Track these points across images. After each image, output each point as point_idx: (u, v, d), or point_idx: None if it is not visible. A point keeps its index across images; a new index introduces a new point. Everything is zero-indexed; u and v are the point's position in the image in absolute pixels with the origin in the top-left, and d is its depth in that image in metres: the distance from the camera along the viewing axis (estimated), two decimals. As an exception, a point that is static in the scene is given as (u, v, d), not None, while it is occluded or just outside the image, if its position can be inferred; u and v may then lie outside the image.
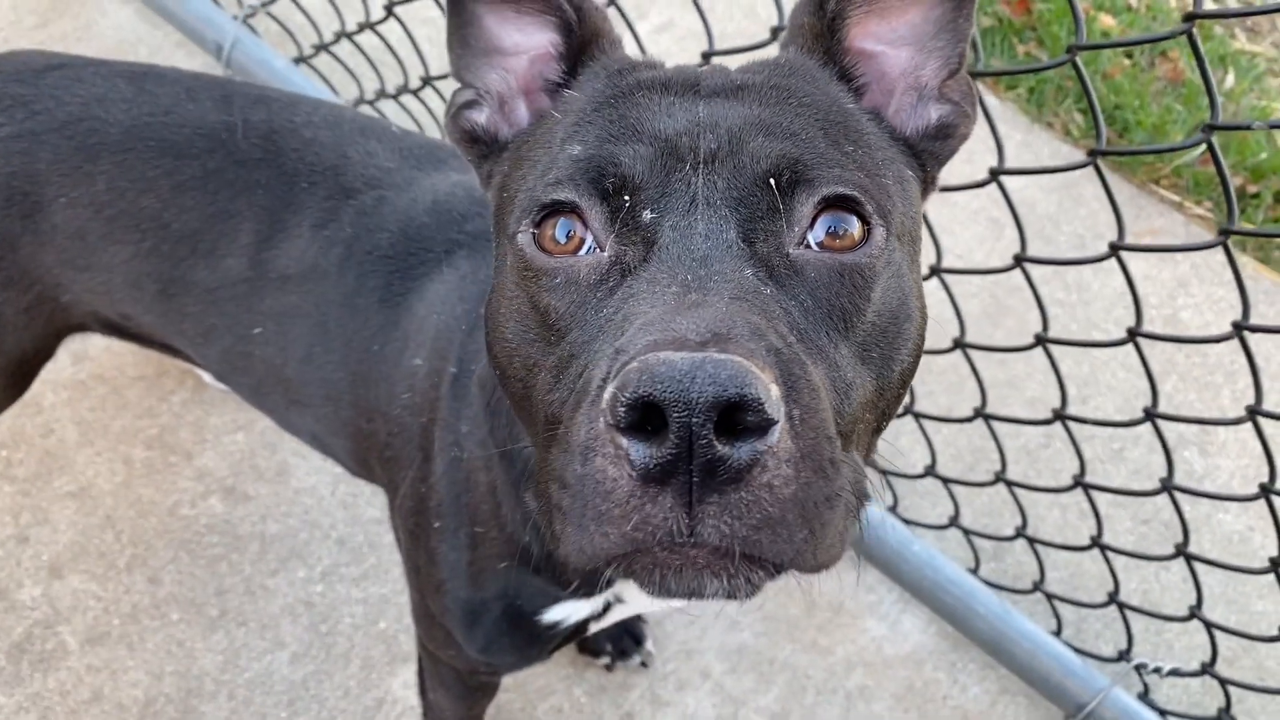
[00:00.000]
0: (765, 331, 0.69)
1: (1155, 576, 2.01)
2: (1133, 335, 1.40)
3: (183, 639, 1.84)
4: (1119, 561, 1.77)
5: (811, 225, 0.80)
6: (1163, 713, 1.78)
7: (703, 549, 0.66)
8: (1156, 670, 1.75)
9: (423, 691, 1.55)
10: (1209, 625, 1.62)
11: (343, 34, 2.23)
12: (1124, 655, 1.78)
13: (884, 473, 1.95)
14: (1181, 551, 1.57)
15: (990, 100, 2.68)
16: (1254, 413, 1.33)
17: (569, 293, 0.80)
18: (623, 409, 0.62)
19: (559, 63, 0.95)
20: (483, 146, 0.98)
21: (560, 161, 0.83)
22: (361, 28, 2.16)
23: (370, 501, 1.99)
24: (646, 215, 0.79)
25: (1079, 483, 1.61)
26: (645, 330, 0.69)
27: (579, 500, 0.68)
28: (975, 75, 1.20)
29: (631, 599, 1.20)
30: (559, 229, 0.81)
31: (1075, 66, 1.28)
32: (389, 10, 2.00)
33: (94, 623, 1.84)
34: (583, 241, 0.81)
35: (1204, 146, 2.53)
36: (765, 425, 0.62)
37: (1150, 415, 1.46)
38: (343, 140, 1.33)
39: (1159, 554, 1.66)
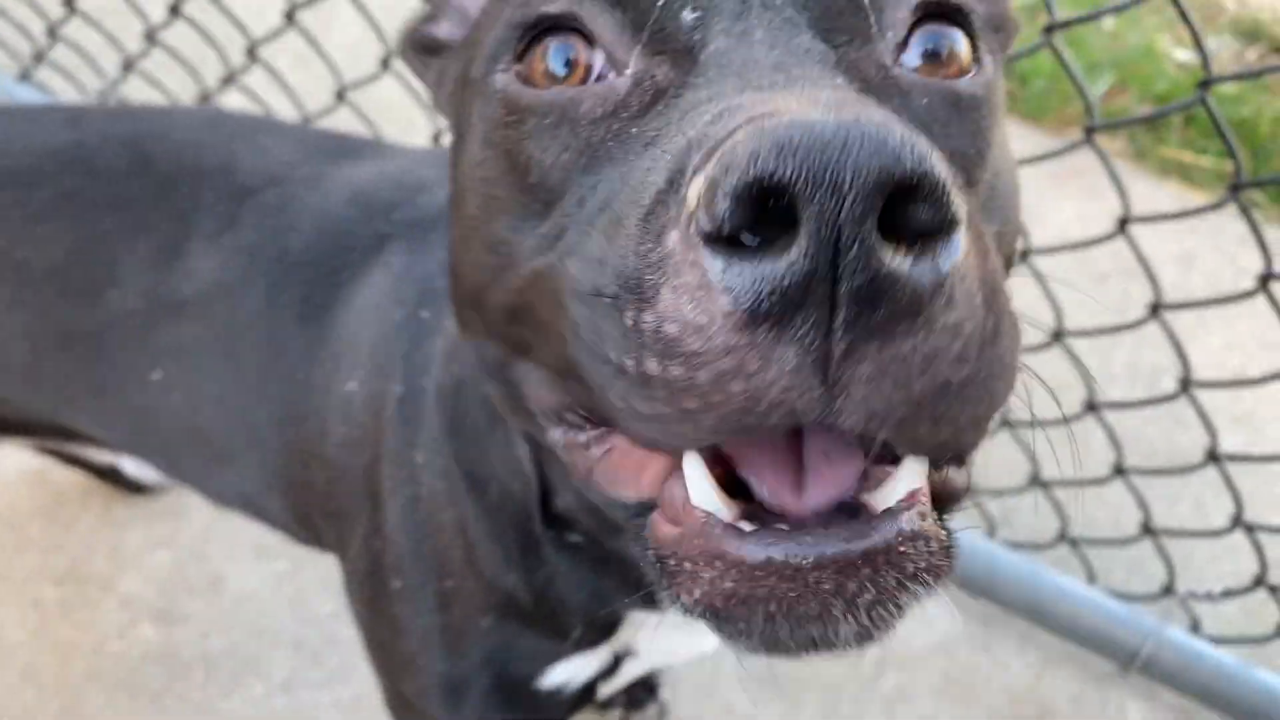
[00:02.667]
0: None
1: (1170, 511, 1.90)
2: (1125, 223, 1.30)
3: (134, 789, 1.59)
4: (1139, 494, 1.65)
5: (905, 43, 0.58)
6: (1217, 642, 1.65)
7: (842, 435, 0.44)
8: (1208, 595, 1.62)
9: None
10: (1251, 529, 1.50)
11: (204, 96, 2.06)
12: (1168, 589, 1.65)
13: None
14: (1213, 456, 1.45)
15: None
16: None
17: (568, 134, 0.56)
18: (728, 200, 0.39)
19: None
20: (431, 55, 0.79)
21: None
22: (223, 82, 1.99)
23: (320, 595, 1.78)
24: (686, 15, 0.55)
25: (1092, 405, 1.49)
26: (730, 114, 0.45)
27: (625, 376, 0.45)
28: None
29: (645, 650, 1.00)
30: (553, 55, 0.57)
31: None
32: (251, 55, 1.85)
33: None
34: (589, 70, 0.57)
35: (1107, 88, 2.52)
36: (949, 226, 0.40)
37: (1155, 309, 1.35)
38: (227, 138, 1.13)
39: (1187, 465, 1.54)
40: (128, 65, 2.06)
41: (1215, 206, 1.22)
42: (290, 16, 1.75)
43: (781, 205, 0.39)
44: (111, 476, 1.84)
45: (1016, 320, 0.48)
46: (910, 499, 0.49)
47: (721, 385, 0.41)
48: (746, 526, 0.48)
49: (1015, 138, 1.36)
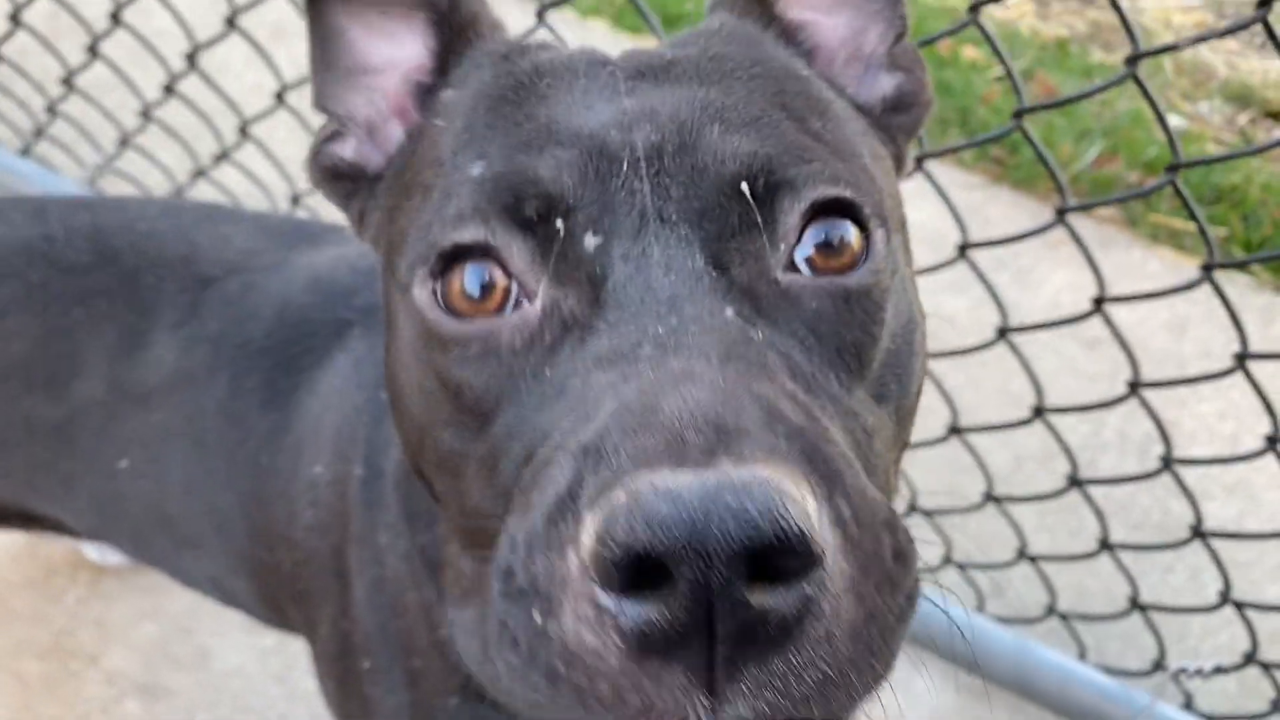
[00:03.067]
0: (776, 403, 0.53)
1: (1164, 581, 1.88)
2: (1100, 304, 1.30)
3: None
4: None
5: (798, 240, 0.62)
6: (1211, 720, 1.63)
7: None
8: (1199, 672, 1.60)
9: None
10: (1240, 607, 1.48)
11: (199, 172, 2.09)
12: (1159, 664, 1.63)
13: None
14: (1198, 532, 1.44)
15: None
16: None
17: (492, 366, 0.61)
18: (613, 566, 0.45)
19: (431, 62, 0.78)
20: (348, 183, 0.81)
21: (459, 187, 0.64)
22: (218, 159, 2.02)
23: (306, 670, 1.76)
24: (589, 241, 0.60)
25: (1074, 481, 1.49)
26: (622, 420, 0.51)
27: (536, 666, 0.50)
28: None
29: None
30: (469, 279, 0.62)
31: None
32: (244, 133, 1.88)
33: None
34: (507, 294, 0.61)
35: (1097, 154, 2.54)
36: (814, 561, 0.46)
37: (1134, 386, 1.35)
38: (187, 228, 1.15)
39: (1170, 541, 1.52)
40: (124, 141, 2.10)
41: (1190, 286, 1.22)
42: (280, 97, 1.78)
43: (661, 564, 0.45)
44: (101, 549, 1.85)
45: (908, 554, 0.54)
46: None
47: (617, 694, 0.48)
48: None
49: (1005, 207, 1.37)
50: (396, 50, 0.80)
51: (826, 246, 0.62)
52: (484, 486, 0.61)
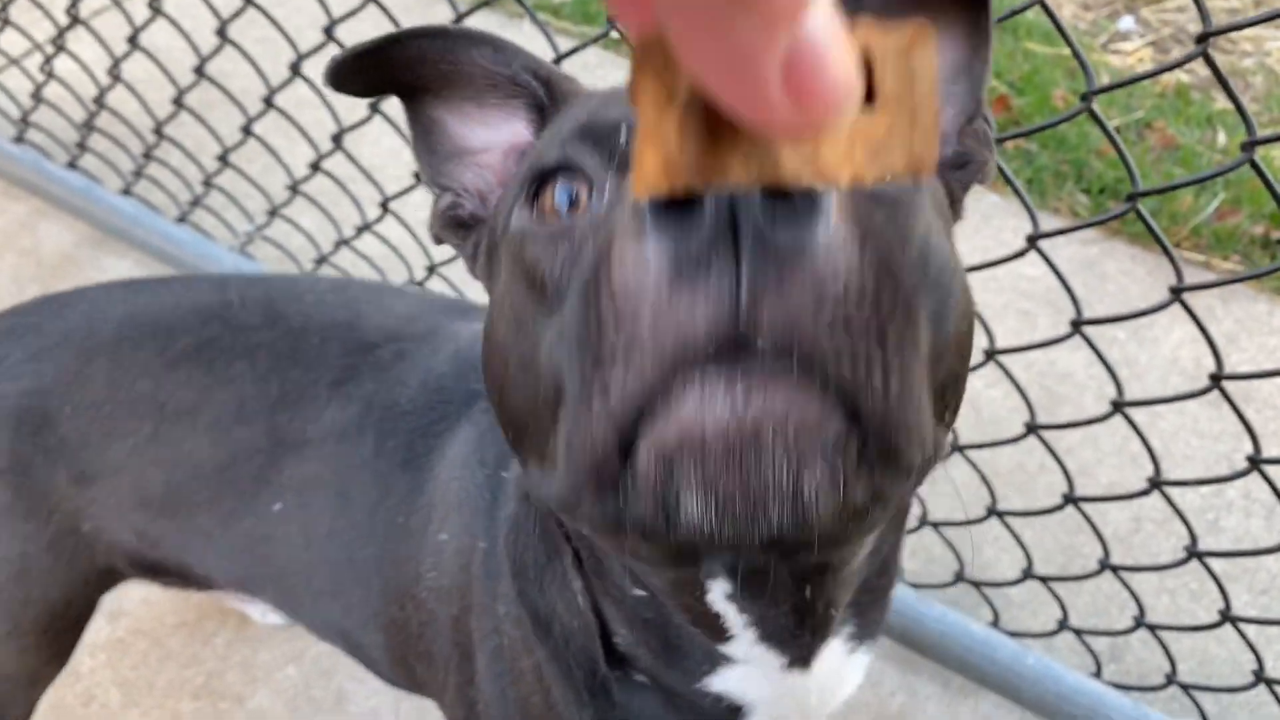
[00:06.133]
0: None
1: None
2: (1217, 380, 1.31)
3: None
4: (1253, 638, 1.62)
5: None
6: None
7: (762, 363, 0.48)
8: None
9: None
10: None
11: (341, 241, 2.22)
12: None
13: (978, 584, 1.81)
14: (1194, 554, 1.43)
15: (992, 197, 2.66)
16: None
17: (568, 249, 0.63)
18: (644, 206, 0.47)
19: (531, 134, 0.85)
20: (466, 229, 0.88)
21: (554, 137, 0.70)
22: (360, 230, 2.15)
23: (439, 713, 1.85)
24: None
25: (1193, 553, 1.48)
26: None
27: (590, 307, 0.50)
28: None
29: None
30: (558, 192, 0.67)
31: (1139, 213, 1.25)
32: (384, 208, 2.00)
33: None
34: (588, 200, 0.66)
35: (1217, 206, 2.50)
36: (817, 204, 0.47)
37: (1255, 463, 1.35)
38: (353, 300, 1.26)
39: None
40: (273, 211, 2.24)
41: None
42: (419, 176, 1.88)
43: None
44: (246, 594, 1.97)
45: (954, 286, 0.60)
46: None
47: (658, 324, 0.48)
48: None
49: (1122, 261, 1.37)
50: (495, 134, 0.87)
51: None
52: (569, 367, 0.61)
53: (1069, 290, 1.38)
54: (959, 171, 0.83)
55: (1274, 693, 1.59)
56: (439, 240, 0.90)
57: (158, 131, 2.33)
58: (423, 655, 1.16)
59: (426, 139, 0.89)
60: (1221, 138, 2.77)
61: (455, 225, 0.88)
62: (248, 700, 1.89)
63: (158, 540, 1.28)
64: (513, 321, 0.67)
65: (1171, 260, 1.26)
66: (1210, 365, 1.30)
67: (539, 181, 0.68)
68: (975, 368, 1.19)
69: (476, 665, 1.04)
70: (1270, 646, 1.82)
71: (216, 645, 1.95)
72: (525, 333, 0.65)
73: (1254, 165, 1.15)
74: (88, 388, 1.22)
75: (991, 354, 1.49)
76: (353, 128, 1.88)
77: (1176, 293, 1.28)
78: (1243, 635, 1.57)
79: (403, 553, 1.15)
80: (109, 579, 1.36)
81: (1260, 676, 1.57)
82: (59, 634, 1.36)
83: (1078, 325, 1.39)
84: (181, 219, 2.49)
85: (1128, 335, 2.37)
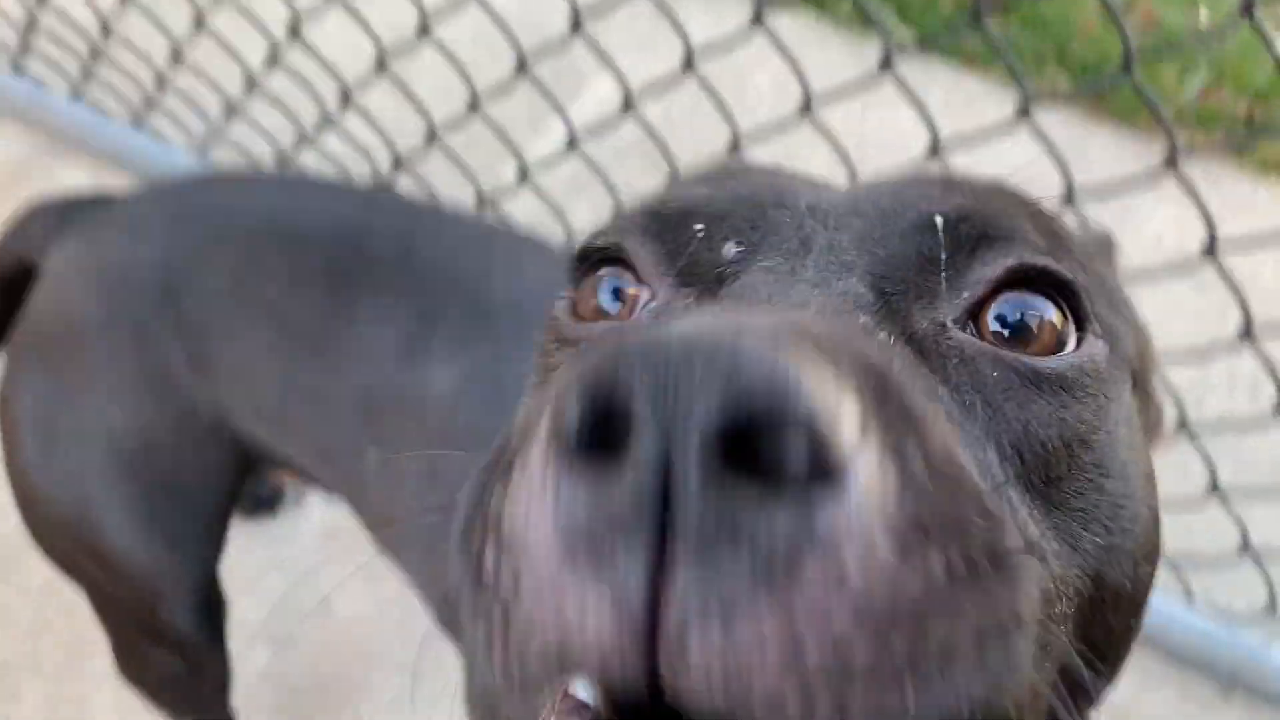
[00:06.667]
0: (877, 351, 0.40)
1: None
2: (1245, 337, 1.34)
3: (254, 806, 1.67)
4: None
5: (985, 304, 0.50)
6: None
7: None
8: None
9: None
10: None
11: (303, 137, 2.14)
12: (1271, 609, 1.62)
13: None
14: None
15: (971, 80, 2.60)
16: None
17: None
18: (568, 405, 0.33)
19: None
20: None
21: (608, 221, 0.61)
22: (321, 125, 2.07)
23: (425, 619, 1.84)
24: (728, 249, 0.51)
25: (1182, 424, 1.47)
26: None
27: (471, 568, 0.39)
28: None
29: None
30: (603, 288, 0.56)
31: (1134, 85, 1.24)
32: (346, 100, 1.91)
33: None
34: (636, 302, 0.54)
35: (1200, 84, 2.46)
36: (833, 469, 0.31)
37: (1245, 336, 1.33)
38: (489, 254, 1.20)
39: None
40: (231, 110, 2.16)
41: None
42: (381, 63, 1.81)
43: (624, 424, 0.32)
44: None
45: (1010, 562, 0.36)
46: None
47: (534, 611, 0.34)
48: None
49: (1105, 143, 1.35)
50: None
51: (1019, 323, 0.50)
52: None
53: (1061, 165, 1.34)
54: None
55: (1258, 562, 1.60)
56: None
57: (105, 30, 2.23)
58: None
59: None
60: (1204, 14, 2.71)
61: None
62: (233, 608, 1.87)
63: (272, 446, 1.24)
64: None
65: (1166, 131, 1.23)
66: (1195, 250, 1.28)
67: (585, 265, 0.59)
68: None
69: None
70: (1258, 526, 1.83)
71: (197, 556, 1.93)
72: None
73: (1253, 24, 1.11)
74: (214, 275, 1.18)
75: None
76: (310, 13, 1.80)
77: (1171, 162, 1.25)
78: (1226, 507, 1.57)
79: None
80: (239, 480, 1.30)
81: (1245, 547, 1.58)
82: (194, 531, 1.28)
83: (1068, 199, 1.36)
84: (137, 124, 2.39)
85: (1112, 218, 2.34)
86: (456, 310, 1.16)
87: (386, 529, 1.22)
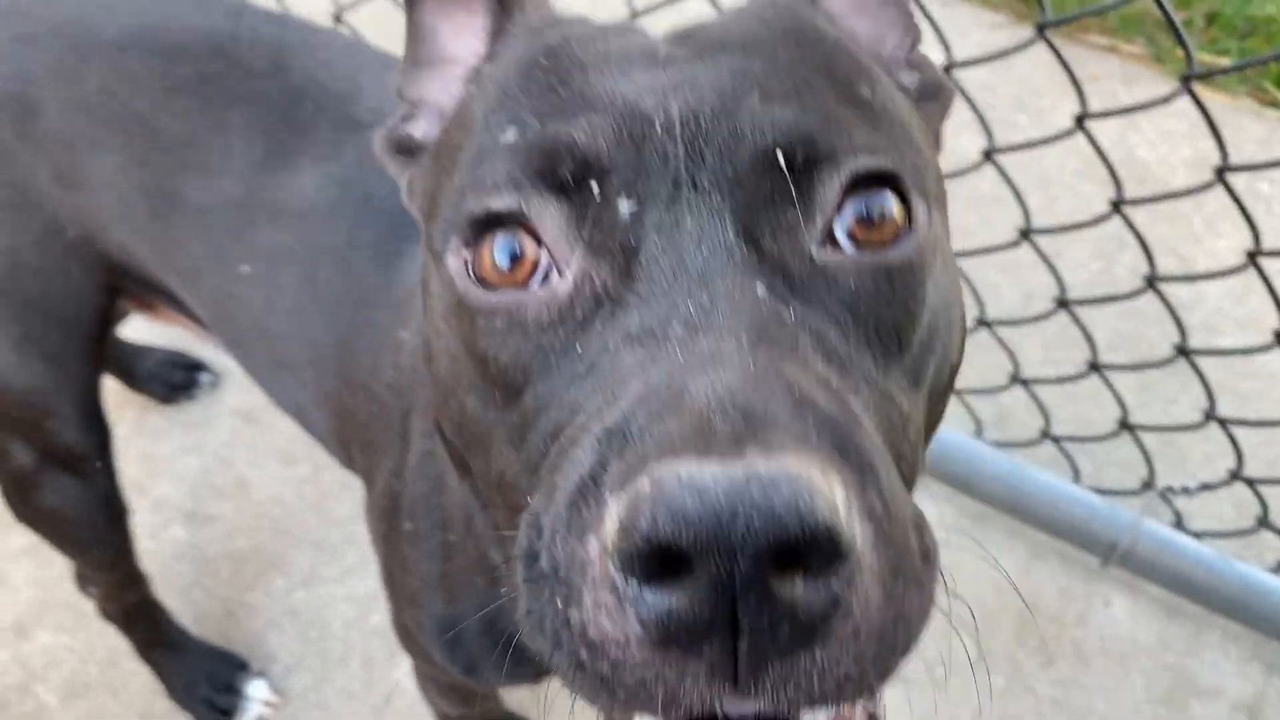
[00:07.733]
0: (808, 388, 0.51)
1: (1166, 411, 1.92)
2: (1116, 206, 1.32)
3: (167, 673, 1.72)
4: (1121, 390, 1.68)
5: (838, 212, 0.60)
6: (1198, 536, 1.68)
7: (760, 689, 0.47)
8: (1185, 490, 1.65)
9: (421, 686, 1.40)
10: (1224, 424, 1.52)
11: None
12: (1147, 484, 1.68)
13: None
14: (1183, 351, 1.48)
15: (978, 13, 2.61)
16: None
17: (518, 340, 0.60)
18: (635, 556, 0.44)
19: (485, 46, 0.79)
20: (408, 156, 0.83)
21: (491, 154, 0.64)
22: None
23: (340, 498, 1.89)
24: (623, 207, 0.59)
25: (1062, 303, 1.52)
26: (648, 403, 0.51)
27: (562, 652, 0.50)
28: None
29: None
30: (499, 249, 0.61)
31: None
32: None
33: (71, 676, 1.73)
34: (535, 266, 0.61)
35: (1123, -13, 2.47)
36: (842, 555, 0.45)
37: (1116, 205, 1.37)
38: (359, 67, 1.19)
39: (1156, 360, 1.56)
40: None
41: (1167, 100, 1.23)
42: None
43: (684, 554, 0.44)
44: (146, 388, 1.97)
45: (934, 552, 0.52)
46: None
47: (640, 685, 0.47)
48: None
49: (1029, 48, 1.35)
50: (468, 42, 0.81)
51: (866, 220, 0.60)
52: (511, 459, 0.62)
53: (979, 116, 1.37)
54: (931, 103, 0.78)
55: (1137, 440, 1.66)
56: (383, 158, 0.85)
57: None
58: (366, 444, 1.15)
59: (417, 45, 0.83)
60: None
61: (399, 149, 0.83)
62: (149, 490, 1.91)
63: (142, 262, 1.24)
64: (455, 375, 0.66)
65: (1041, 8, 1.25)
66: (1114, 156, 1.31)
67: (478, 227, 0.62)
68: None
69: (409, 460, 1.05)
70: (1145, 409, 1.89)
71: (115, 439, 1.95)
72: (473, 399, 0.64)
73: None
74: (79, 88, 1.17)
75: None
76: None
77: (1041, 29, 1.28)
78: (1108, 384, 1.63)
79: (364, 344, 1.13)
80: (110, 298, 1.30)
81: (1124, 424, 1.63)
82: (71, 348, 1.29)
83: (989, 154, 1.38)
84: None
85: (1030, 120, 2.38)
86: (327, 121, 1.16)
87: (265, 347, 1.22)
